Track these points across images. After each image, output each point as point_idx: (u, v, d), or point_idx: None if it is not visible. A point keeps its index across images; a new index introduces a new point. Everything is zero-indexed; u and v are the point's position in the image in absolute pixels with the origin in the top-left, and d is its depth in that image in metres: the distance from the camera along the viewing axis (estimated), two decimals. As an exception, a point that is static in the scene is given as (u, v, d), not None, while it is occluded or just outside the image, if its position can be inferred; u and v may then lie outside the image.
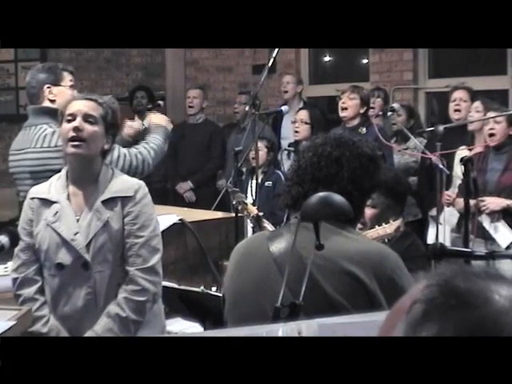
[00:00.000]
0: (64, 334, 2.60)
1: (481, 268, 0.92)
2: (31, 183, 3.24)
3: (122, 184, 2.62)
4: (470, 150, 4.52)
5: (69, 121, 2.59)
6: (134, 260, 2.57)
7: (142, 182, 2.68)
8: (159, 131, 3.42)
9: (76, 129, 2.55)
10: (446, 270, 0.91)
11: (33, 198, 2.68)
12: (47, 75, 3.32)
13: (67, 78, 3.36)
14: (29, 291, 2.65)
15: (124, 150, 3.15)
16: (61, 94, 3.26)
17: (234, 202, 3.73)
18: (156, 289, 2.60)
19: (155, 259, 2.59)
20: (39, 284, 2.65)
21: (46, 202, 2.64)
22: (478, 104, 4.76)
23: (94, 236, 2.55)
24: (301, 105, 6.26)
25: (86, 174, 2.63)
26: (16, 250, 2.70)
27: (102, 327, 2.53)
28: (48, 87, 3.29)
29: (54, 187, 2.66)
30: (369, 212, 3.18)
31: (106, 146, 2.65)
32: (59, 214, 2.60)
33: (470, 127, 4.72)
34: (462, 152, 4.57)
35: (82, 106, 2.60)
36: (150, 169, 3.23)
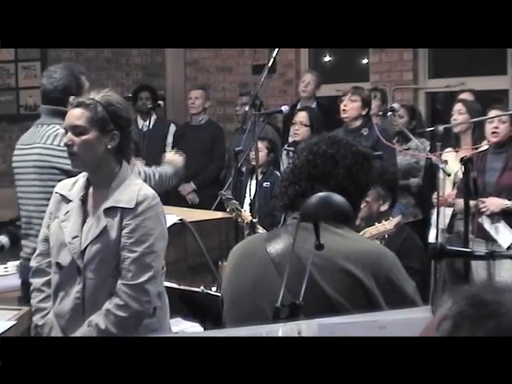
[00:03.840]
0: (57, 330, 2.60)
1: (504, 283, 0.98)
2: (34, 178, 3.26)
3: (128, 193, 2.55)
4: (457, 151, 4.53)
5: (65, 134, 2.60)
6: (125, 274, 2.51)
7: (150, 194, 2.56)
8: (170, 165, 3.58)
9: (66, 144, 2.56)
10: (471, 287, 0.97)
11: (56, 193, 2.69)
12: (72, 84, 3.34)
13: (86, 84, 3.40)
14: (38, 281, 2.67)
15: (133, 162, 3.14)
16: None
17: (228, 210, 3.76)
18: (141, 307, 2.50)
19: (145, 277, 2.50)
20: (49, 277, 2.66)
21: (65, 199, 2.64)
22: (460, 106, 4.77)
23: (90, 243, 2.53)
24: (314, 106, 6.13)
25: (100, 177, 2.60)
26: (38, 239, 2.73)
27: (81, 334, 2.52)
28: (74, 98, 3.32)
29: (77, 186, 2.65)
30: None
31: (111, 145, 2.56)
32: (69, 213, 2.60)
33: (456, 129, 4.73)
34: (449, 154, 4.59)
35: (70, 117, 2.56)
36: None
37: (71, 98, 3.27)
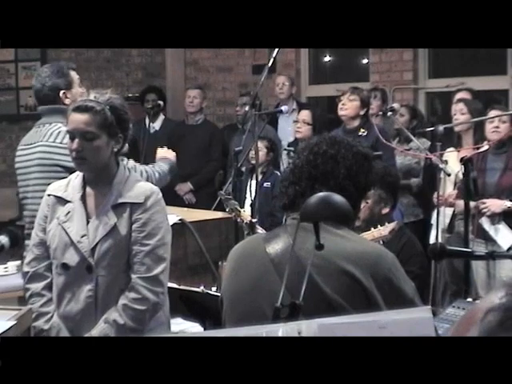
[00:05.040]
0: (65, 332, 2.61)
1: None
2: (37, 176, 3.26)
3: (134, 189, 2.60)
4: (458, 151, 4.54)
5: (70, 138, 2.59)
6: (138, 268, 2.55)
7: (155, 189, 2.64)
8: (165, 162, 3.56)
9: (76, 150, 2.56)
10: None
11: (49, 195, 2.69)
12: (60, 80, 3.37)
13: (75, 78, 3.42)
14: (37, 286, 2.67)
15: (132, 163, 3.15)
16: (74, 97, 3.30)
17: (227, 210, 3.77)
18: (157, 299, 2.57)
19: (159, 269, 2.56)
20: (48, 280, 2.66)
21: (61, 201, 2.65)
22: (461, 106, 4.77)
23: (100, 240, 2.55)
24: (294, 105, 6.30)
25: (100, 177, 2.62)
26: (30, 244, 2.73)
27: (98, 332, 2.53)
28: (64, 93, 3.35)
29: (71, 186, 2.66)
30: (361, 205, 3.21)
31: (117, 148, 2.62)
32: (71, 214, 2.61)
33: (457, 129, 4.73)
34: (450, 154, 4.59)
35: (78, 122, 2.55)
36: None
37: (61, 93, 3.33)
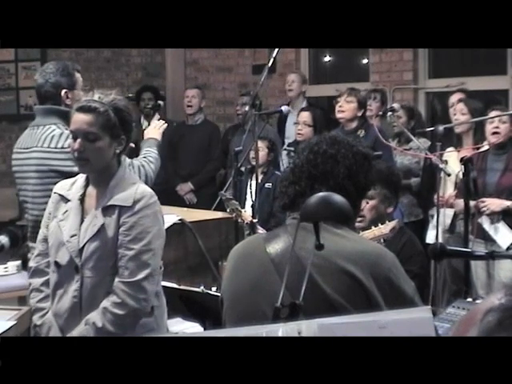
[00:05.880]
0: (56, 329, 2.62)
1: None
2: (35, 182, 3.25)
3: (125, 192, 2.57)
4: (458, 151, 4.55)
5: (73, 138, 2.59)
6: (122, 272, 2.52)
7: (147, 193, 2.59)
8: (152, 143, 3.45)
9: (78, 150, 2.55)
10: None
11: (55, 193, 2.71)
12: (64, 79, 3.32)
13: (80, 80, 3.38)
14: (37, 281, 2.69)
15: (129, 160, 3.14)
16: (75, 98, 3.27)
17: (228, 210, 3.77)
18: (138, 305, 2.51)
19: (142, 274, 2.51)
20: (48, 276, 2.68)
21: (63, 199, 2.67)
22: (462, 106, 4.77)
23: (88, 241, 2.55)
24: (304, 104, 6.26)
25: (102, 178, 2.62)
26: (37, 240, 2.75)
27: (78, 333, 2.53)
28: (65, 92, 3.30)
29: (75, 185, 2.67)
30: (367, 204, 3.22)
31: (119, 150, 2.61)
32: (68, 213, 2.62)
33: (457, 130, 4.73)
34: (451, 154, 4.59)
35: (81, 122, 2.54)
36: (151, 183, 3.20)
37: (63, 92, 3.30)
